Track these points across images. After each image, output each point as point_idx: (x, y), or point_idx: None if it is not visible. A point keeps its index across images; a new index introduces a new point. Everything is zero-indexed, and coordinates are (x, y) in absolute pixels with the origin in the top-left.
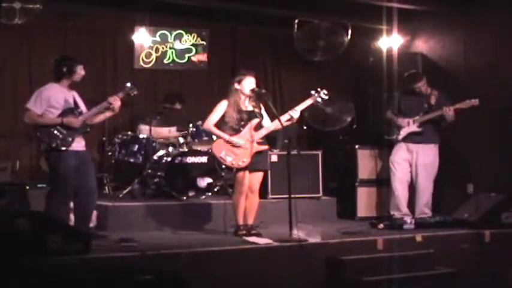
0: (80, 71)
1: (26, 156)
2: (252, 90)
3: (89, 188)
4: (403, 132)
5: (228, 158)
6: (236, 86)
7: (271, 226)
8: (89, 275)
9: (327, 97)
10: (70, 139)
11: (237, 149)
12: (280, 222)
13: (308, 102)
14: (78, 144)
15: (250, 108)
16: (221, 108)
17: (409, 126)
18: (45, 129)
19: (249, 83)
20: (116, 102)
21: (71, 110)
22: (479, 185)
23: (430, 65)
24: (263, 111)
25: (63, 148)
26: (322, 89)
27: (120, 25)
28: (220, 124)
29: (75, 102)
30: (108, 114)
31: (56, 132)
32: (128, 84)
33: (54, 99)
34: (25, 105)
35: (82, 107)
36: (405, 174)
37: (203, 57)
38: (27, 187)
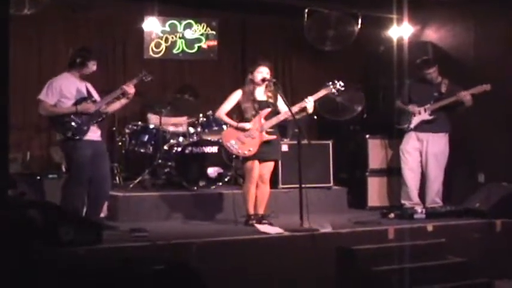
0: (92, 66)
1: (36, 146)
2: (263, 80)
3: (102, 178)
4: (415, 121)
5: (235, 146)
6: (249, 76)
7: (282, 216)
8: (100, 265)
9: (343, 89)
10: (85, 128)
11: (246, 138)
12: (291, 212)
13: (322, 92)
14: (94, 134)
15: (263, 98)
16: (234, 97)
17: (420, 114)
18: (59, 119)
19: (259, 73)
20: (129, 89)
21: (84, 99)
22: (490, 174)
23: (441, 54)
24: (279, 102)
25: (78, 137)
26: (338, 81)
27: (130, 15)
28: (235, 114)
29: (89, 92)
30: (124, 101)
31: (70, 121)
32: (142, 71)
33: (66, 89)
34: (37, 97)
35: (96, 96)
36: (416, 163)
37: (213, 43)
38: (38, 177)
